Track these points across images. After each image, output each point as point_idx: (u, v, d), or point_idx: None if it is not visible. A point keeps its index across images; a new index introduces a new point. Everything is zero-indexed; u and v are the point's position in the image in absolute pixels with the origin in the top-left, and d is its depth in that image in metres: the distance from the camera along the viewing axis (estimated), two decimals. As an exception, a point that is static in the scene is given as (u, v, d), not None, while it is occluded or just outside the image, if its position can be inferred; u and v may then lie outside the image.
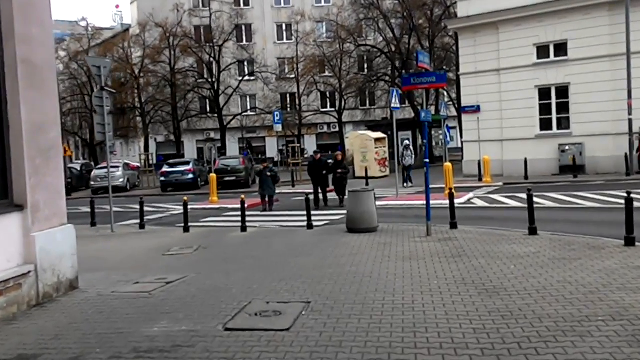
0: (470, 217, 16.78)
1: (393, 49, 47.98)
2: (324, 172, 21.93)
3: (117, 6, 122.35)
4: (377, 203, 15.96)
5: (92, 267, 11.32)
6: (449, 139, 27.28)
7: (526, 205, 15.89)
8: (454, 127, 55.23)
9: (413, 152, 30.18)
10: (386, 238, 13.66)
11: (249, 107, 60.17)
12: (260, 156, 61.17)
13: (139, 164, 51.48)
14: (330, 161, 23.05)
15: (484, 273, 9.60)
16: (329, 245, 13.01)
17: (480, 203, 20.58)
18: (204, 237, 15.77)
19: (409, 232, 14.40)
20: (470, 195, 21.94)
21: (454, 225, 14.62)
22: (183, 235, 16.44)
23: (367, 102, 62.02)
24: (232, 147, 60.31)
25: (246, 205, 22.46)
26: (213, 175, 26.12)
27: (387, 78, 50.75)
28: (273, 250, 12.88)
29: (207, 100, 56.63)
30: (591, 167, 28.03)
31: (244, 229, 16.44)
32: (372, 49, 49.99)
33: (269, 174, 22.18)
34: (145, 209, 25.71)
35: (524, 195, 21.77)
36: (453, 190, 15.53)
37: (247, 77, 58.73)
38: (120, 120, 56.43)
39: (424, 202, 21.19)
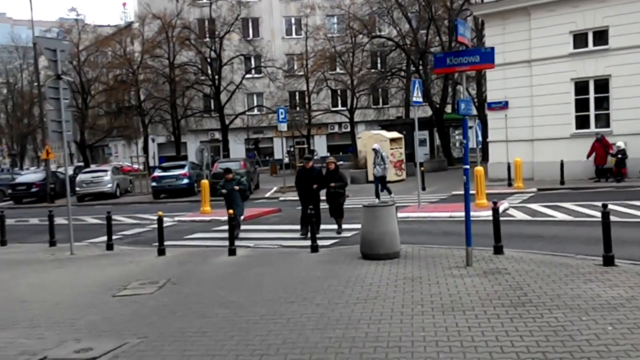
0: (513, 235, 13.40)
1: (409, 42, 44.62)
2: (315, 185, 15.99)
3: (124, 4, 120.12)
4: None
5: (2, 318, 8.09)
6: (480, 138, 23.88)
7: (578, 219, 12.64)
8: (471, 127, 52.12)
9: (386, 161, 24.27)
10: (413, 269, 10.36)
11: (255, 106, 57.13)
12: (267, 158, 58.21)
13: (139, 167, 48.47)
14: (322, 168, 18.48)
15: (572, 340, 6.36)
16: (337, 283, 9.71)
17: (519, 215, 17.19)
18: (179, 265, 12.53)
19: (441, 259, 11.10)
20: (505, 204, 18.56)
21: (499, 250, 11.32)
22: (154, 261, 13.25)
23: (380, 101, 59.13)
24: (238, 148, 57.66)
25: (242, 218, 19.48)
26: (205, 182, 22.68)
27: (403, 74, 47.45)
28: (261, 292, 9.55)
29: (211, 99, 53.48)
30: (634, 169, 24.51)
31: (232, 251, 13.20)
32: (387, 41, 46.67)
33: (236, 187, 17.05)
34: (126, 221, 22.91)
35: (570, 205, 18.53)
36: (493, 202, 12.17)
37: (253, 75, 56.10)
38: (119, 120, 53.30)
39: (452, 214, 17.97)
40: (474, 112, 28.08)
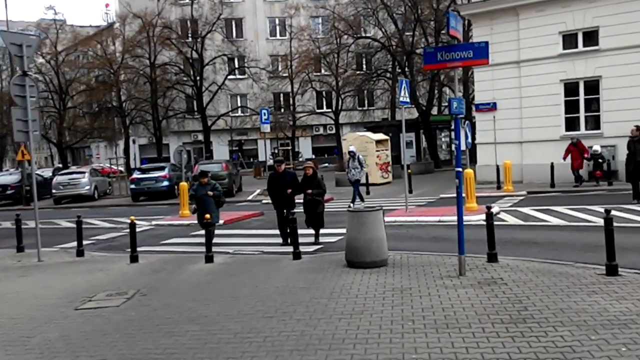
0: (506, 241, 12.70)
1: (394, 43, 43.94)
2: (289, 190, 14.50)
3: (107, 5, 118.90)
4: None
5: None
6: (469, 139, 23.18)
7: (573, 223, 11.99)
8: (453, 130, 51.32)
9: (363, 164, 23.09)
10: (402, 279, 9.63)
11: (237, 107, 56.26)
12: (251, 160, 57.39)
13: (118, 169, 47.42)
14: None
15: (583, 365, 5.61)
16: (320, 294, 8.95)
17: (511, 219, 16.49)
18: (152, 273, 11.72)
19: (431, 268, 10.37)
20: (496, 208, 17.85)
21: (493, 257, 10.61)
22: (126, 269, 12.42)
23: (366, 102, 58.54)
24: (222, 150, 56.91)
25: (222, 222, 18.71)
26: (184, 184, 21.77)
27: (388, 75, 46.79)
28: (237, 305, 8.74)
29: (194, 100, 52.52)
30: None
31: (209, 258, 12.41)
32: (372, 42, 45.95)
33: (210, 193, 15.31)
34: (102, 225, 22.00)
35: (563, 209, 17.77)
36: (487, 207, 11.47)
37: (237, 76, 55.29)
38: (99, 121, 52.20)
39: (441, 218, 17.14)
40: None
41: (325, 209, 14.99)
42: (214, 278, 10.84)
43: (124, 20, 49.28)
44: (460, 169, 9.92)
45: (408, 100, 18.74)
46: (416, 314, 7.59)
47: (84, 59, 53.86)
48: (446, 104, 57.38)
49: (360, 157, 23.23)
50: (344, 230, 12.30)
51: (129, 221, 21.82)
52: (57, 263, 13.72)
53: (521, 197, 21.82)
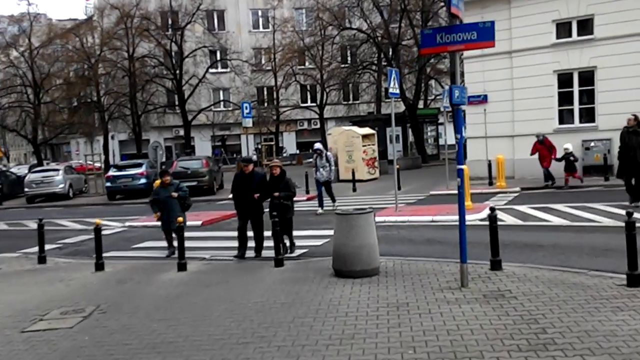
0: (507, 244, 11.55)
1: (380, 35, 42.76)
2: (257, 195, 12.45)
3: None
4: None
5: None
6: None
7: (575, 223, 10.93)
8: (442, 124, 50.58)
9: (331, 162, 19.84)
10: (397, 292, 8.51)
11: (219, 101, 54.98)
12: (234, 155, 56.15)
13: (95, 165, 45.95)
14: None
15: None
16: (304, 312, 7.80)
17: (509, 219, 15.33)
18: (117, 284, 10.52)
19: (429, 277, 9.27)
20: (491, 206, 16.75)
21: (497, 265, 9.52)
22: (89, 279, 11.21)
23: (351, 96, 57.50)
24: (204, 145, 55.97)
25: (200, 223, 17.59)
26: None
27: (374, 67, 45.68)
28: (208, 326, 7.55)
29: (176, 95, 51.14)
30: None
31: (182, 266, 11.25)
32: (357, 34, 44.79)
33: (174, 194, 13.41)
34: (72, 226, 20.68)
35: (562, 207, 16.38)
36: (491, 209, 10.38)
37: (219, 70, 54.13)
38: (77, 116, 50.67)
39: (434, 218, 15.76)
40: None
41: (310, 208, 13.87)
42: (185, 290, 9.67)
43: (102, 12, 47.95)
44: (462, 166, 8.84)
45: (397, 91, 17.62)
46: (417, 339, 6.47)
47: (63, 54, 52.30)
48: (432, 97, 56.63)
49: (329, 154, 20.11)
50: (330, 232, 11.21)
51: (104, 222, 20.80)
52: (15, 272, 12.44)
53: (515, 194, 20.81)
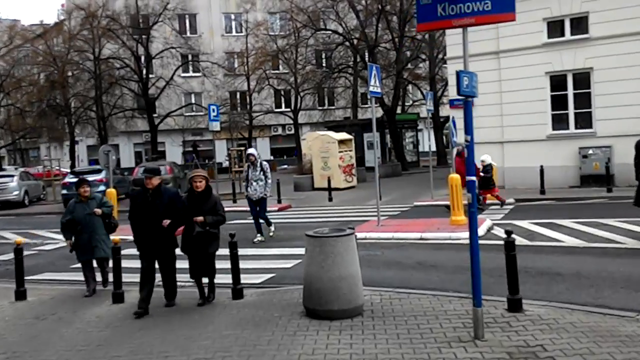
0: (519, 270, 9.29)
1: (355, 38, 40.75)
2: (167, 221, 8.60)
3: (63, 5, 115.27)
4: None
5: None
6: (455, 138, 20.15)
7: (594, 244, 9.26)
8: (421, 130, 49.01)
9: (268, 175, 15.10)
10: (390, 345, 6.36)
11: (187, 104, 52.88)
12: (207, 161, 53.82)
13: (60, 170, 43.46)
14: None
15: None
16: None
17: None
18: (32, 323, 8.27)
19: (429, 321, 7.14)
20: (488, 222, 14.70)
21: (516, 305, 7.38)
22: (4, 312, 9.05)
23: (326, 101, 55.99)
24: (175, 151, 54.02)
25: (110, 264, 15.28)
26: (111, 191, 17.80)
27: (350, 71, 43.75)
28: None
29: (144, 98, 48.83)
30: (623, 177, 21.02)
31: (118, 297, 9.06)
32: (333, 36, 42.74)
33: (98, 211, 10.25)
34: (15, 239, 18.23)
35: (571, 224, 14.25)
36: (508, 232, 8.29)
37: (191, 74, 52.64)
38: (42, 121, 48.23)
39: (423, 235, 13.68)
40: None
41: (281, 220, 11.67)
42: (110, 335, 7.41)
43: (69, 15, 46.04)
44: (473, 178, 6.72)
45: (379, 90, 15.50)
46: None
47: (32, 57, 50.38)
48: (409, 103, 54.80)
49: (265, 164, 15.24)
50: (301, 251, 9.05)
51: (49, 235, 18.52)
52: None
53: (510, 206, 18.81)
